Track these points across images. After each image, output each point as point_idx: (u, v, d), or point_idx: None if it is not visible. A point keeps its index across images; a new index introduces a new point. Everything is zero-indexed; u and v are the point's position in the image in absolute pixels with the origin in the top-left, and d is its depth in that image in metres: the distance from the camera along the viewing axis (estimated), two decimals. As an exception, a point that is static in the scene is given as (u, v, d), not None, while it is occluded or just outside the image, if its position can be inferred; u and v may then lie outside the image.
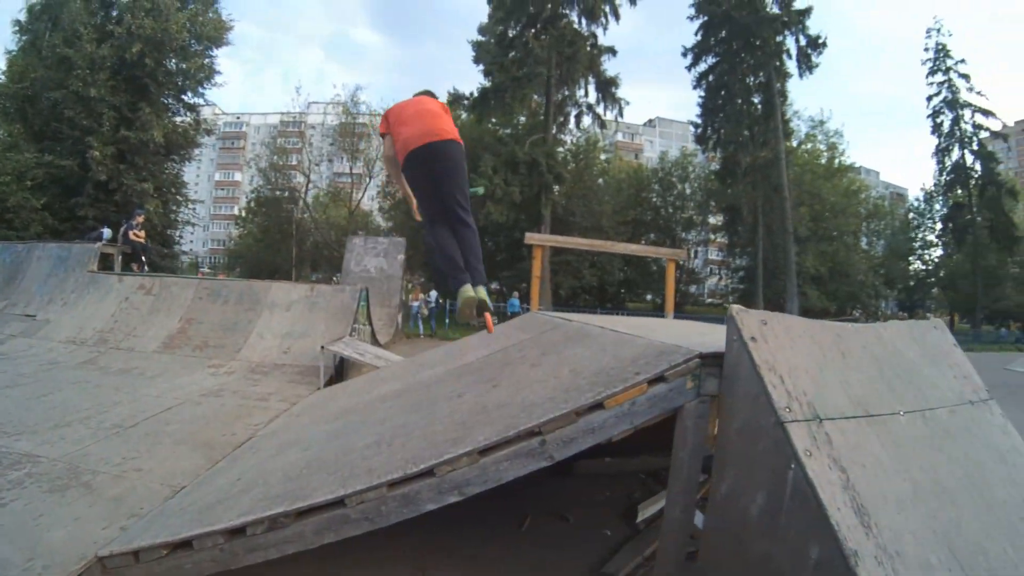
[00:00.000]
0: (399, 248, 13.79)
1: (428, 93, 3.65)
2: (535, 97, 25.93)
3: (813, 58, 28.01)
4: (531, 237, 14.16)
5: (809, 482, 1.59)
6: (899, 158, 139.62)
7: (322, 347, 6.49)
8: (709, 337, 2.58)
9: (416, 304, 16.69)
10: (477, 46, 25.23)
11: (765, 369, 1.82)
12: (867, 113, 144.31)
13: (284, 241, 32.71)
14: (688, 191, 35.31)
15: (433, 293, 20.09)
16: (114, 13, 20.53)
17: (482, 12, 26.40)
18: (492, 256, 27.12)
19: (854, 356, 2.12)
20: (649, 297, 34.34)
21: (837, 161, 34.81)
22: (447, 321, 18.44)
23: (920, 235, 40.52)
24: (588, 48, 24.85)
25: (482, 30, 25.51)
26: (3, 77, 20.72)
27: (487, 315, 3.20)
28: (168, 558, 2.31)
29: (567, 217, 26.91)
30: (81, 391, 5.41)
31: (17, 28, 21.86)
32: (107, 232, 11.46)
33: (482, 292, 3.13)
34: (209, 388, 5.81)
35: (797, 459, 1.64)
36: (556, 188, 25.61)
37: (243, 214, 37.73)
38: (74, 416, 4.49)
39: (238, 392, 5.73)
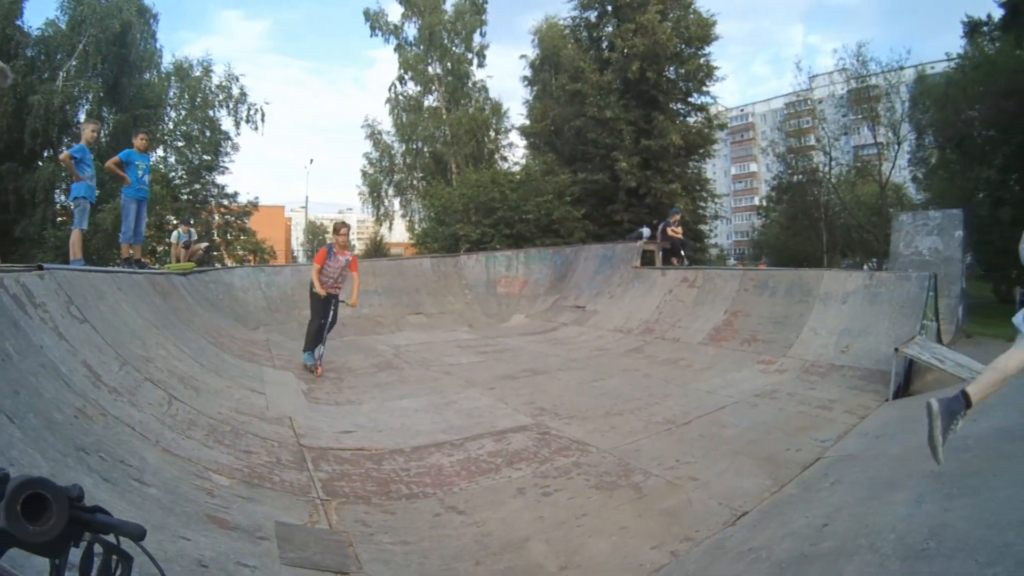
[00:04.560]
0: (955, 222, 10.49)
1: None
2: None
3: None
4: None
5: None
6: None
7: (896, 349, 5.31)
8: None
9: None
10: (989, -44, 17.45)
11: None
12: None
13: (812, 226, 30.70)
14: None
15: None
16: (604, 44, 23.13)
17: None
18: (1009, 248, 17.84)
19: None
20: None
21: None
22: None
23: None
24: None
25: None
26: (528, 121, 26.49)
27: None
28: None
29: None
30: (630, 380, 5.91)
31: (527, 82, 28.61)
32: (647, 231, 12.70)
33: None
34: (762, 388, 5.53)
35: None
36: None
37: (764, 203, 37.42)
38: (625, 406, 4.83)
39: (794, 395, 5.23)
